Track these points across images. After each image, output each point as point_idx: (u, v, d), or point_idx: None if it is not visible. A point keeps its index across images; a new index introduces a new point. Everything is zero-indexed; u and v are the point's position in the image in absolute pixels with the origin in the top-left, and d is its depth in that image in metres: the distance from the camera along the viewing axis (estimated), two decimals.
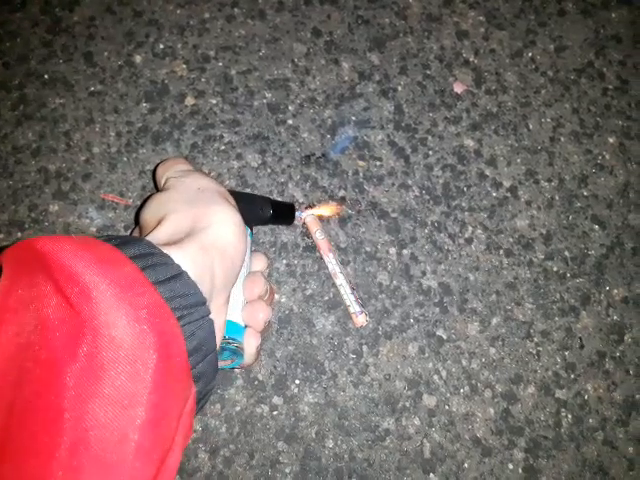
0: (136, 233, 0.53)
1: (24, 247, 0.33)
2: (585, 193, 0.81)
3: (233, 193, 0.53)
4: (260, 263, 0.61)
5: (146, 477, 0.31)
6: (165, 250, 0.38)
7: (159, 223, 0.45)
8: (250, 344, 0.55)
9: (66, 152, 0.77)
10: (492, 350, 0.74)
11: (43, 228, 0.74)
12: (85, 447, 0.29)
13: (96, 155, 0.77)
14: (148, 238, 0.42)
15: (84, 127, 0.79)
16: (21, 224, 0.74)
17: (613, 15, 0.91)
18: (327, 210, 0.76)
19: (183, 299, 0.36)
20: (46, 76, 0.81)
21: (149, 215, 0.47)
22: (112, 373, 0.30)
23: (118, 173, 0.77)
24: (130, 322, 0.31)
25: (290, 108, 0.81)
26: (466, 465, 0.71)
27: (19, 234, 0.74)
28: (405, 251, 0.77)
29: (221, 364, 0.56)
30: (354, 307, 0.73)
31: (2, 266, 0.33)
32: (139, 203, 0.75)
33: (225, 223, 0.46)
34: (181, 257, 0.39)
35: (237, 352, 0.54)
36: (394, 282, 0.76)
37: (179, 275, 0.37)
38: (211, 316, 0.39)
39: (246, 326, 0.56)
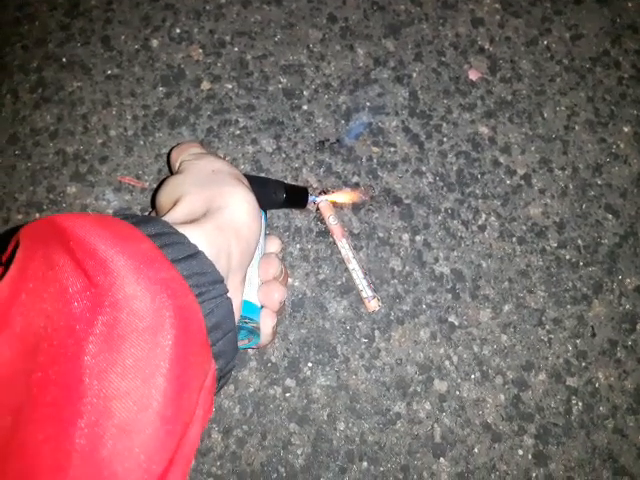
0: (152, 215, 0.53)
1: (42, 223, 0.34)
2: (599, 182, 0.81)
3: (247, 177, 0.53)
4: (274, 245, 0.61)
5: (167, 447, 0.31)
6: (181, 229, 0.39)
7: (174, 205, 0.45)
8: (266, 324, 0.56)
9: (83, 135, 0.78)
10: (504, 337, 0.75)
11: (61, 209, 0.75)
12: (107, 415, 0.29)
13: (113, 138, 0.78)
14: (165, 218, 0.43)
15: (101, 110, 0.79)
16: (39, 205, 0.75)
17: (629, 4, 0.90)
18: (341, 197, 0.77)
19: (201, 277, 0.37)
20: (64, 59, 0.81)
21: (164, 197, 0.48)
22: (132, 343, 0.30)
23: (134, 156, 0.78)
24: (149, 295, 0.31)
25: (305, 93, 0.82)
26: (476, 450, 0.71)
27: (37, 215, 0.75)
28: (418, 237, 0.77)
29: (239, 344, 0.56)
30: (366, 292, 0.73)
31: (20, 241, 0.34)
32: (155, 186, 0.76)
33: (240, 204, 0.46)
34: (197, 236, 0.40)
35: (254, 332, 0.55)
36: (407, 268, 0.76)
37: (196, 254, 0.37)
38: (229, 294, 0.39)
39: (262, 306, 0.56)
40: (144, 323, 0.31)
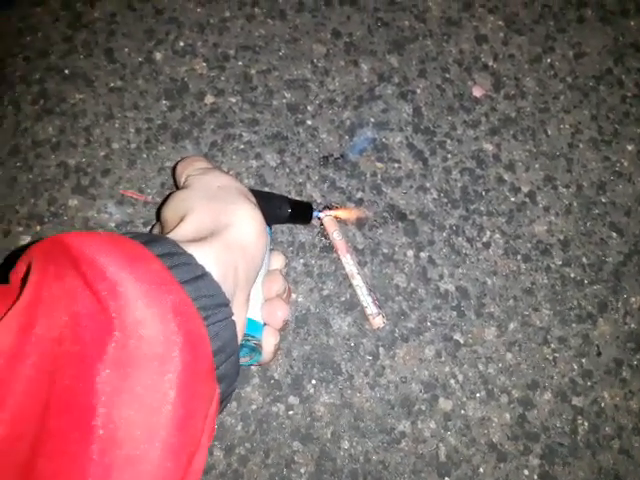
0: (156, 229, 0.53)
1: (53, 242, 0.33)
2: (603, 200, 0.81)
3: (251, 191, 0.53)
4: (278, 261, 0.61)
5: (174, 477, 0.31)
6: (189, 248, 0.38)
7: (181, 221, 0.45)
8: (269, 342, 0.55)
9: (86, 147, 0.77)
10: (509, 355, 0.74)
11: (62, 222, 0.74)
12: (115, 446, 0.29)
13: (115, 151, 0.77)
14: (172, 235, 0.42)
15: (104, 123, 0.79)
16: (40, 218, 0.74)
17: (632, 23, 0.91)
18: (345, 212, 0.76)
19: (208, 299, 0.36)
20: (66, 71, 0.81)
21: (170, 213, 0.47)
22: (140, 371, 0.30)
23: (137, 169, 0.77)
24: (159, 320, 0.31)
25: (309, 108, 0.81)
26: (481, 470, 0.71)
27: (38, 227, 0.74)
28: (423, 254, 0.76)
29: (240, 361, 0.55)
30: (371, 309, 0.72)
31: (32, 261, 0.33)
32: (158, 200, 0.75)
33: (247, 221, 0.46)
34: (206, 256, 0.39)
35: (256, 349, 0.54)
36: (411, 285, 0.75)
37: (204, 275, 0.37)
38: (233, 317, 0.39)
39: (265, 324, 0.56)
40: (153, 350, 0.30)
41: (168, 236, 0.42)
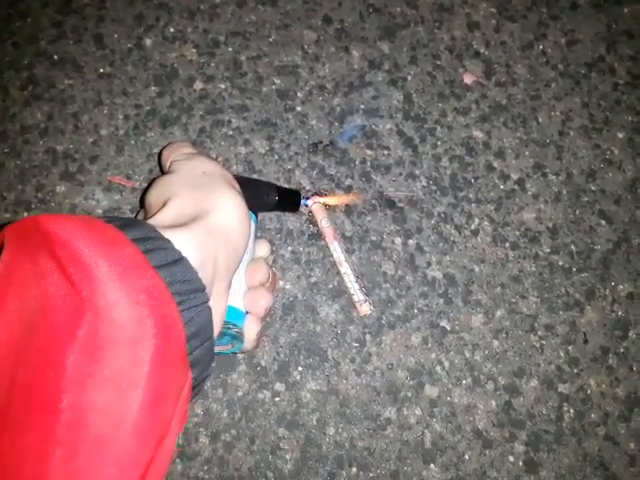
0: (141, 215, 0.53)
1: (27, 224, 0.33)
2: (593, 188, 0.81)
3: (238, 178, 0.52)
4: (263, 249, 0.60)
5: (142, 460, 0.31)
6: (169, 233, 0.38)
7: (163, 206, 0.45)
8: (250, 330, 0.56)
9: (74, 133, 0.77)
10: (495, 342, 0.74)
11: (49, 208, 0.74)
12: (82, 428, 0.29)
13: (104, 137, 0.77)
14: (152, 220, 0.42)
15: (92, 109, 0.79)
16: (28, 204, 0.74)
17: (625, 10, 0.90)
18: (334, 200, 0.76)
19: (183, 284, 0.36)
20: (55, 57, 0.81)
21: (153, 198, 0.47)
22: (111, 355, 0.30)
23: (125, 156, 0.77)
24: (131, 304, 0.31)
25: (299, 95, 0.81)
26: (467, 456, 0.71)
27: (25, 214, 0.74)
28: (411, 241, 0.76)
29: (221, 349, 0.56)
30: (358, 296, 0.72)
31: (4, 241, 0.33)
32: (146, 186, 0.75)
33: (229, 208, 0.46)
34: (185, 241, 0.39)
35: (237, 337, 0.54)
36: (399, 272, 0.75)
37: (180, 260, 0.37)
38: (210, 303, 0.39)
39: (247, 312, 0.56)
40: (124, 333, 0.30)
41: (149, 221, 0.42)
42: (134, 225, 0.37)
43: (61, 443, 0.28)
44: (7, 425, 0.29)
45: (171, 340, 0.33)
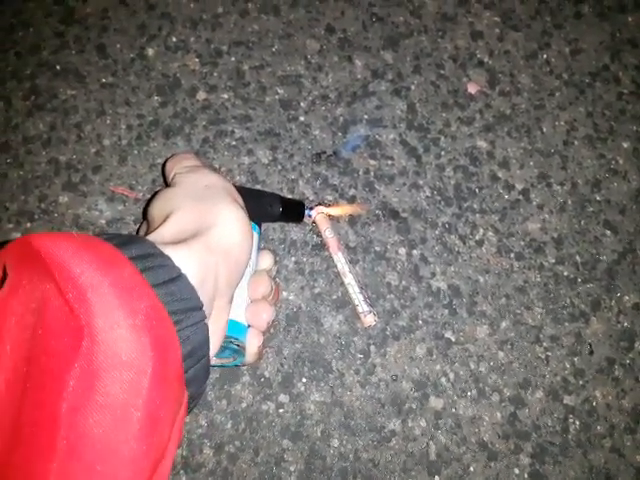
0: (144, 227, 0.53)
1: (24, 245, 0.33)
2: (598, 198, 0.81)
3: (242, 189, 0.52)
4: (266, 261, 0.60)
5: None
6: (170, 249, 0.38)
7: (165, 220, 0.44)
8: (252, 344, 0.55)
9: (77, 144, 0.77)
10: (501, 354, 0.74)
11: (52, 219, 0.74)
12: (77, 457, 0.28)
13: (107, 147, 0.77)
14: (153, 235, 0.42)
15: (95, 119, 0.78)
16: (31, 214, 0.74)
17: (629, 19, 0.90)
18: (337, 210, 0.76)
19: (180, 303, 0.36)
20: (58, 67, 0.80)
21: (156, 211, 0.47)
22: (107, 381, 0.29)
23: (128, 166, 0.76)
24: (128, 327, 0.31)
25: (302, 105, 0.81)
26: (472, 469, 0.70)
27: (28, 224, 0.73)
28: (415, 252, 0.76)
29: (222, 362, 0.55)
30: (362, 307, 0.72)
31: (5, 263, 0.33)
32: (149, 197, 0.75)
33: (231, 223, 0.45)
34: (185, 257, 0.39)
35: (238, 351, 0.54)
36: (403, 283, 0.75)
37: (178, 278, 0.37)
38: (207, 320, 0.39)
39: (249, 325, 0.55)
40: (120, 359, 0.30)
41: (150, 236, 0.42)
42: (133, 242, 0.36)
43: (57, 475, 0.28)
44: (14, 457, 0.29)
45: (168, 362, 0.33)
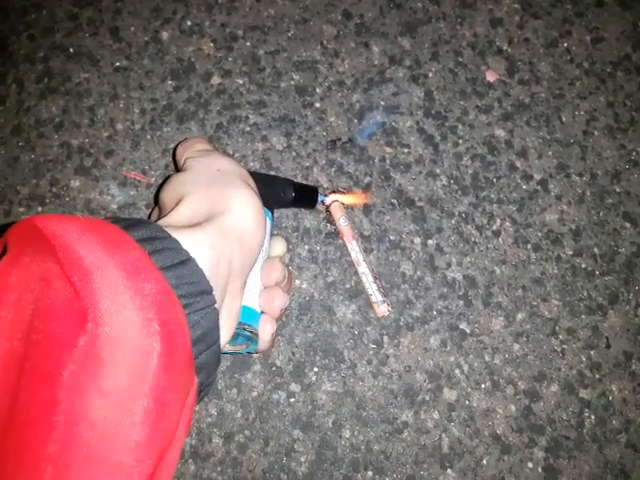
0: (155, 213, 0.52)
1: (30, 225, 0.32)
2: (617, 189, 0.79)
3: (255, 174, 0.51)
4: (279, 248, 0.59)
5: (142, 475, 0.29)
6: (182, 233, 0.38)
7: (177, 204, 0.44)
8: (265, 330, 0.54)
9: (89, 127, 0.76)
10: (516, 346, 0.73)
11: (64, 203, 0.73)
12: (76, 443, 0.28)
13: (119, 131, 0.76)
14: (164, 220, 0.42)
15: (108, 103, 0.78)
16: (42, 199, 0.73)
17: None
18: (352, 198, 0.75)
19: (190, 286, 0.35)
20: (71, 50, 0.80)
21: (167, 196, 0.46)
22: (111, 366, 0.29)
23: (141, 151, 0.76)
24: (134, 310, 0.30)
25: (318, 91, 0.80)
26: (485, 462, 0.69)
27: (39, 208, 0.73)
28: (430, 241, 0.75)
29: (235, 349, 0.55)
30: (376, 296, 0.71)
31: (7, 244, 0.32)
32: (161, 182, 0.74)
33: (244, 208, 0.45)
34: (200, 241, 0.38)
35: (251, 338, 0.53)
36: (418, 272, 0.74)
37: (187, 261, 0.36)
38: (217, 305, 0.38)
39: (262, 312, 0.55)
40: (126, 343, 0.29)
41: (161, 220, 0.42)
42: (140, 225, 0.36)
43: (53, 460, 0.27)
44: (9, 440, 0.28)
45: (176, 346, 0.32)
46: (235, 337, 0.51)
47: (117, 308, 0.29)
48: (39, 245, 0.31)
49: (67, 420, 0.27)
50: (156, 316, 0.30)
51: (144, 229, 0.35)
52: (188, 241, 0.37)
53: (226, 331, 0.43)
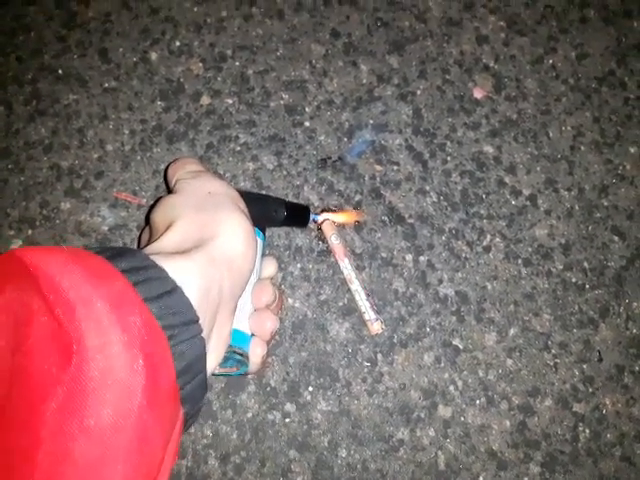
0: (146, 233, 0.52)
1: (12, 258, 0.31)
2: (605, 203, 0.80)
3: (246, 194, 0.51)
4: (270, 268, 0.59)
5: None
6: (171, 260, 0.37)
7: (167, 228, 0.43)
8: (256, 353, 0.54)
9: (79, 149, 0.76)
10: (509, 361, 0.73)
11: (54, 226, 0.73)
12: None
13: (109, 153, 0.76)
14: (154, 245, 0.41)
15: (98, 124, 0.77)
16: (32, 221, 0.73)
17: (635, 24, 0.89)
18: (343, 216, 0.75)
19: (175, 317, 0.34)
20: (60, 71, 0.79)
21: (158, 219, 0.46)
22: (95, 403, 0.28)
23: (131, 172, 0.76)
24: (119, 345, 0.29)
25: (307, 110, 0.80)
26: (481, 478, 0.69)
27: (30, 231, 0.72)
28: (422, 258, 0.75)
29: (225, 371, 0.54)
30: (369, 314, 0.71)
31: None
32: (152, 203, 0.74)
33: (235, 232, 0.45)
34: (189, 269, 0.38)
35: (242, 361, 0.53)
36: (410, 289, 0.74)
37: (173, 291, 0.35)
38: (203, 334, 0.37)
39: (252, 334, 0.54)
40: (111, 377, 0.29)
41: (151, 246, 0.41)
42: (125, 255, 0.35)
43: None
44: None
45: (160, 381, 0.31)
46: (225, 360, 0.50)
47: (102, 343, 0.29)
48: (22, 278, 0.30)
49: (50, 460, 0.27)
50: (140, 351, 0.30)
51: (129, 259, 0.35)
52: (176, 269, 0.37)
53: (216, 356, 0.43)
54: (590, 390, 0.73)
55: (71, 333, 0.29)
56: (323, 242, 0.74)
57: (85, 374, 0.28)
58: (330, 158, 0.78)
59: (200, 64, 0.81)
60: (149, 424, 0.30)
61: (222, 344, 0.44)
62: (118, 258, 0.34)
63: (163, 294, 0.34)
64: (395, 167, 0.78)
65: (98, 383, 0.28)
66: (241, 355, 0.52)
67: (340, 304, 0.73)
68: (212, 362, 0.42)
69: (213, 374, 0.42)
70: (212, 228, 0.44)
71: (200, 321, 0.37)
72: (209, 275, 0.40)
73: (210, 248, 0.42)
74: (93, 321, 0.29)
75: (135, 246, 0.71)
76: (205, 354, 0.38)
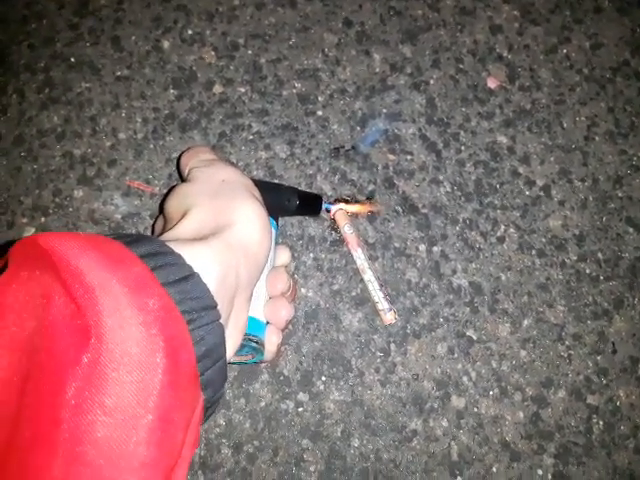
0: (160, 222, 0.52)
1: (31, 242, 0.31)
2: (619, 194, 0.79)
3: (259, 183, 0.51)
4: (284, 257, 0.59)
5: None
6: (189, 247, 0.37)
7: (183, 217, 0.43)
8: (271, 341, 0.54)
9: (92, 137, 0.76)
10: (523, 352, 0.73)
11: (67, 214, 0.73)
12: (80, 464, 0.27)
13: (122, 141, 0.76)
14: (170, 233, 0.41)
15: (110, 112, 0.77)
16: (45, 209, 0.73)
17: None
18: (356, 205, 0.75)
19: (194, 302, 0.34)
20: (72, 59, 0.79)
21: (172, 207, 0.46)
22: (116, 382, 0.28)
23: (144, 160, 0.75)
24: (138, 326, 0.29)
25: (320, 99, 0.80)
26: (494, 469, 0.69)
27: (43, 219, 0.72)
28: (435, 248, 0.75)
29: (240, 359, 0.54)
30: (382, 304, 0.71)
31: (8, 261, 0.32)
32: (165, 191, 0.74)
33: (250, 220, 0.45)
34: (206, 255, 0.38)
35: (257, 349, 0.53)
36: (423, 280, 0.74)
37: (190, 276, 0.35)
38: (221, 320, 0.37)
39: (267, 322, 0.54)
40: (130, 359, 0.29)
41: (167, 234, 0.42)
42: (143, 241, 0.35)
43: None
44: (11, 463, 0.27)
45: (181, 362, 0.31)
46: (241, 348, 0.50)
47: (121, 324, 0.29)
48: (40, 262, 0.30)
49: (71, 440, 0.27)
50: (160, 332, 0.30)
51: (147, 245, 0.35)
52: (193, 256, 0.37)
53: (233, 344, 0.43)
54: (604, 382, 0.73)
55: (89, 315, 0.29)
56: (336, 232, 0.74)
57: (105, 355, 0.28)
58: (343, 147, 0.77)
59: (212, 52, 0.80)
60: (170, 406, 0.30)
61: (239, 331, 0.43)
62: (136, 244, 0.34)
63: (181, 279, 0.34)
64: (408, 156, 0.78)
65: (118, 364, 0.28)
66: (257, 343, 0.52)
67: (353, 294, 0.73)
68: (230, 349, 0.42)
69: (229, 362, 0.42)
70: (227, 215, 0.44)
71: (218, 307, 0.37)
72: (226, 262, 0.40)
73: (226, 235, 0.42)
74: (112, 303, 0.29)
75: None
76: (224, 340, 0.38)
